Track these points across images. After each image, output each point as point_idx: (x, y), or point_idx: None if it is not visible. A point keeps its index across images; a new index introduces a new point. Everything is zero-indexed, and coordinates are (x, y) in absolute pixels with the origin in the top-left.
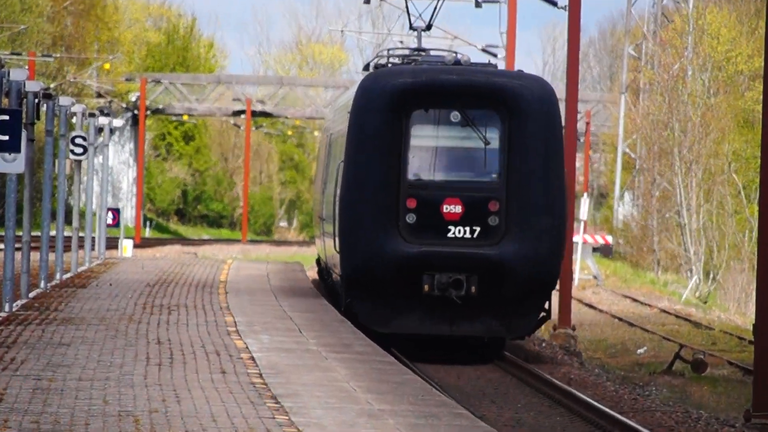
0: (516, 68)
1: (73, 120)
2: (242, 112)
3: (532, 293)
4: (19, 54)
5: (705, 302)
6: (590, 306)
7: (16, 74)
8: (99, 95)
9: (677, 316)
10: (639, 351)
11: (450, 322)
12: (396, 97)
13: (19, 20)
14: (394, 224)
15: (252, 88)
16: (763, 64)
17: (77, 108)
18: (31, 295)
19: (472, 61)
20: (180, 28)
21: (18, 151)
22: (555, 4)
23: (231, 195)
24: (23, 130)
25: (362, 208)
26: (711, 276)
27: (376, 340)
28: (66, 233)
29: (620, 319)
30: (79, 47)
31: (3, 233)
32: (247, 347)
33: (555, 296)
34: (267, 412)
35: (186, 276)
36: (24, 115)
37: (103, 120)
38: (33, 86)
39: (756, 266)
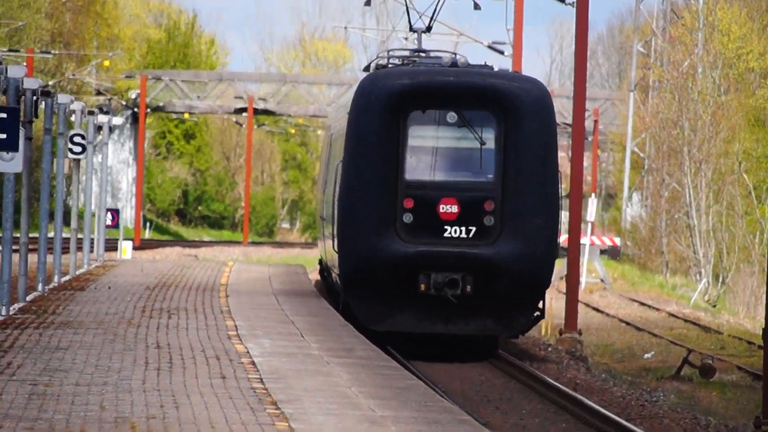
0: (523, 65)
1: (72, 118)
2: (244, 109)
3: (527, 292)
4: (17, 51)
5: (714, 306)
6: (597, 310)
7: (14, 71)
8: (98, 93)
9: (685, 320)
10: (646, 356)
11: (446, 320)
12: (393, 98)
13: (17, 16)
14: (391, 224)
15: (254, 86)
16: None
17: (76, 106)
18: (28, 298)
19: (473, 62)
20: (181, 25)
21: (16, 149)
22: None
23: (232, 195)
24: (21, 128)
25: (360, 208)
26: (720, 279)
27: (373, 338)
28: (64, 234)
29: (627, 323)
30: (78, 44)
31: (0, 234)
32: (247, 352)
33: (561, 300)
34: (267, 418)
35: (186, 279)
36: (22, 113)
37: (102, 118)
38: (31, 83)
39: (766, 269)
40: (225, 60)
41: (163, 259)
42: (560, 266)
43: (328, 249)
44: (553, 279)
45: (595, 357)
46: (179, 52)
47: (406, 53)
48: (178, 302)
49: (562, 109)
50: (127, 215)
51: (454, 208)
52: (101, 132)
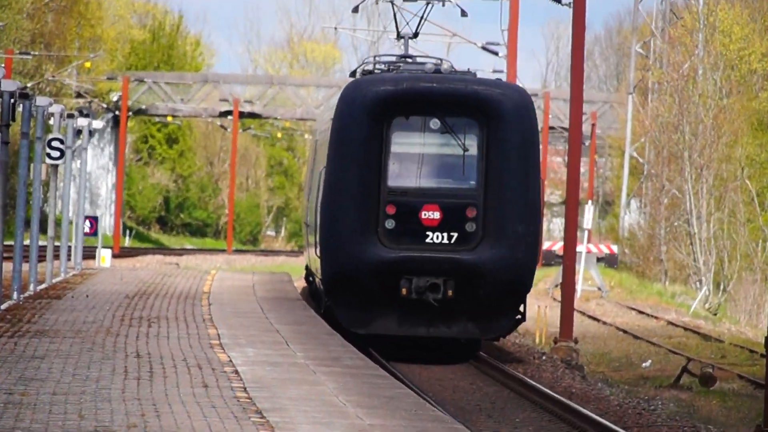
0: (518, 67)
1: (51, 121)
2: (229, 113)
3: (508, 297)
4: None
5: (715, 314)
6: (594, 318)
7: None
8: (78, 95)
9: (685, 329)
10: (644, 364)
11: (427, 324)
12: (376, 104)
13: None
14: (374, 230)
15: (240, 88)
16: None
17: (55, 108)
18: (3, 306)
19: (467, 64)
20: (166, 25)
21: None
22: (559, 1)
23: (216, 202)
24: None
25: (342, 214)
26: (721, 287)
27: (355, 341)
28: (41, 242)
29: (625, 332)
30: (59, 45)
31: None
32: (231, 361)
33: (557, 308)
34: (252, 427)
35: (167, 287)
36: None
37: (82, 121)
38: (9, 85)
39: None
40: (210, 61)
41: (144, 267)
42: (555, 274)
43: (311, 254)
44: (548, 287)
45: (591, 366)
46: (163, 53)
47: (393, 59)
48: (159, 311)
49: (559, 113)
50: (106, 223)
51: (437, 215)
52: (81, 136)
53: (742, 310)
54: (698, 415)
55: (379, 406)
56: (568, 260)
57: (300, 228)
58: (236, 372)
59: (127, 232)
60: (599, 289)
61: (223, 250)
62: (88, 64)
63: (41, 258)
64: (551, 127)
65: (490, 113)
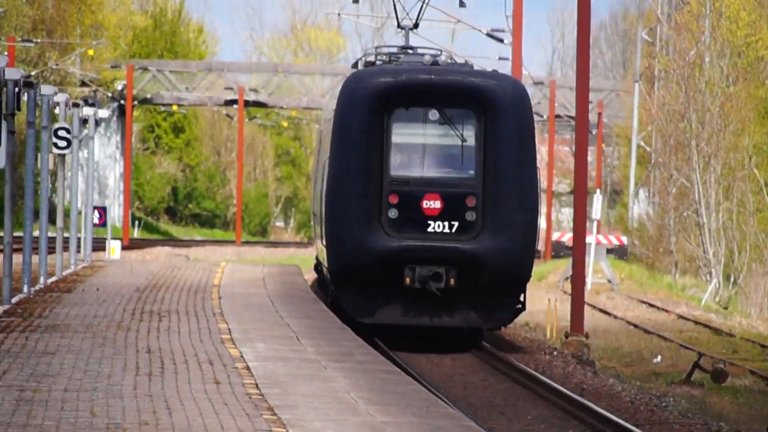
0: (523, 54)
1: (56, 111)
2: (234, 101)
3: (508, 286)
4: None
5: (725, 307)
6: (604, 312)
7: None
8: (83, 83)
9: (696, 323)
10: (655, 360)
11: (430, 313)
12: (377, 96)
13: None
14: (377, 219)
15: (245, 76)
16: None
17: (60, 98)
18: (13, 300)
19: (469, 55)
20: (167, 12)
21: None
22: None
23: (224, 192)
24: (3, 121)
25: (346, 204)
26: (732, 279)
27: (358, 330)
28: (50, 234)
29: (636, 326)
30: (61, 32)
31: None
32: (242, 356)
33: (567, 302)
34: (264, 424)
35: (177, 280)
36: (4, 106)
37: (87, 111)
38: (13, 74)
39: None
40: (214, 49)
41: (153, 259)
42: (565, 266)
43: (318, 245)
44: (558, 279)
45: (602, 361)
46: (166, 40)
47: (394, 50)
48: (169, 304)
49: (565, 101)
50: (115, 213)
51: (437, 204)
52: (87, 125)
53: (753, 303)
54: (710, 412)
55: (391, 402)
56: (578, 252)
57: (309, 218)
58: (247, 368)
59: (136, 222)
60: (609, 281)
61: (232, 242)
62: (91, 52)
63: (51, 250)
64: (557, 116)
65: (487, 104)
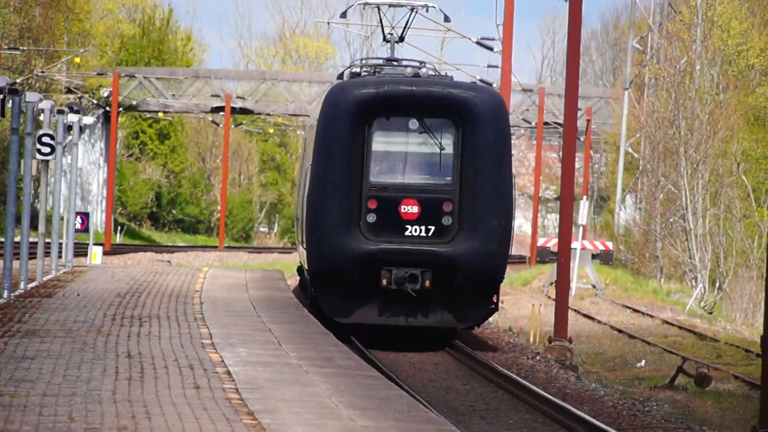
0: (513, 62)
1: (41, 117)
2: (221, 108)
3: (482, 287)
4: None
5: (710, 312)
6: (588, 317)
7: None
8: (69, 90)
9: (680, 328)
10: (639, 364)
11: (406, 313)
12: (359, 106)
13: None
14: (356, 223)
15: (232, 84)
16: None
17: (45, 104)
18: None
19: (457, 63)
20: (156, 20)
21: None
22: None
23: (208, 198)
24: None
25: (327, 208)
26: (717, 285)
27: (333, 328)
28: (31, 239)
29: (620, 331)
30: (47, 39)
31: None
32: (222, 361)
33: (551, 307)
34: (243, 429)
35: (159, 285)
36: None
37: (72, 117)
38: None
39: (765, 274)
40: (202, 57)
41: (135, 264)
42: (550, 271)
43: (300, 248)
44: (542, 284)
45: (585, 365)
46: (154, 48)
47: (379, 62)
48: (150, 309)
49: (554, 108)
50: (98, 219)
51: (415, 209)
52: (71, 132)
53: (738, 309)
54: (693, 416)
55: (372, 407)
56: (562, 257)
57: (293, 224)
58: (228, 372)
59: (119, 228)
60: (594, 286)
61: (215, 247)
62: (77, 60)
63: (32, 255)
64: (546, 123)
65: (465, 114)
